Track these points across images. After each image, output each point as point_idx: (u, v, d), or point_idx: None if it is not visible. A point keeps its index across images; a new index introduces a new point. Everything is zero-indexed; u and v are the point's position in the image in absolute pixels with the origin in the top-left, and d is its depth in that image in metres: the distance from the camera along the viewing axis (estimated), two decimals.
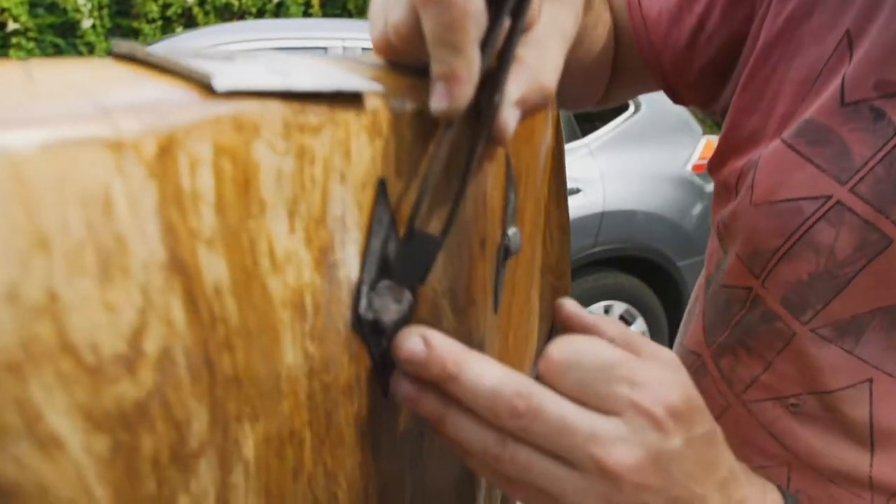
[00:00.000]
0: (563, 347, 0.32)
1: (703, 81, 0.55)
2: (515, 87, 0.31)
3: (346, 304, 0.30)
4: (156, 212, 0.22)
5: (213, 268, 0.24)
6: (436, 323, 0.34)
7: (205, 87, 0.24)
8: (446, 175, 0.32)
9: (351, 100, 0.28)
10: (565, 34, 0.34)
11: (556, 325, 0.37)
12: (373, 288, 0.31)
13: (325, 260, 0.28)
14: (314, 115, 0.26)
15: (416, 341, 0.30)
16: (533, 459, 0.31)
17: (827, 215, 0.42)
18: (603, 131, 2.50)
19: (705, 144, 2.59)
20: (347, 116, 0.27)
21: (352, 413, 0.32)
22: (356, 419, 0.33)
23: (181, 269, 0.23)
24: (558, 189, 0.54)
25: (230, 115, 0.24)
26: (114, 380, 0.23)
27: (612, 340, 0.35)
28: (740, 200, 0.48)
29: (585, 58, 0.56)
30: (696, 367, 0.55)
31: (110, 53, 0.29)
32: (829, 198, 0.42)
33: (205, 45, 2.40)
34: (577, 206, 2.37)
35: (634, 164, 2.47)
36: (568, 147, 2.45)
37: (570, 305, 0.39)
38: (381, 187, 0.30)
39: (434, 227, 0.32)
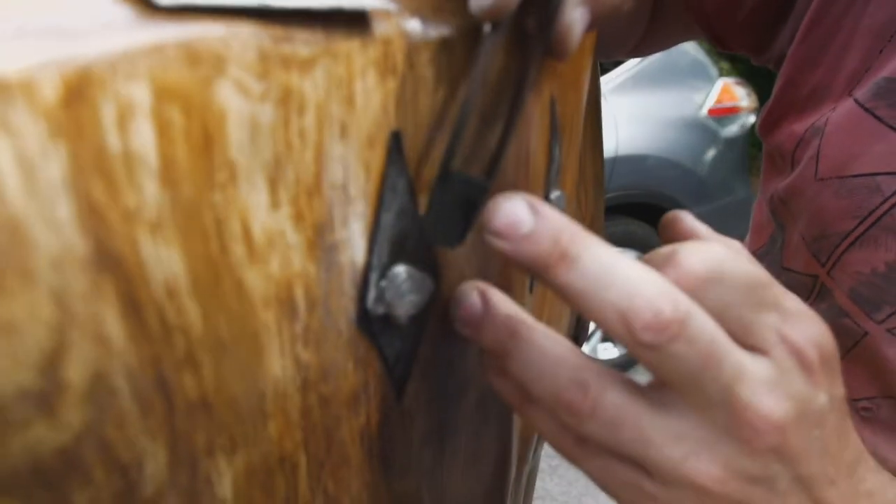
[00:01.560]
0: (702, 254, 0.24)
1: (754, 24, 0.46)
2: None
3: (351, 297, 0.23)
4: (67, 186, 0.15)
5: (163, 262, 0.17)
6: None
7: (143, 0, 0.17)
8: (489, 105, 0.24)
9: (354, 22, 0.20)
10: None
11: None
12: (384, 275, 0.24)
13: (320, 241, 0.21)
14: (303, 43, 0.19)
15: (521, 206, 0.22)
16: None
17: None
18: (615, 73, 2.39)
19: (722, 88, 2.48)
20: (349, 46, 0.20)
21: (358, 427, 0.26)
22: (363, 434, 0.26)
23: (114, 265, 0.16)
24: (595, 138, 0.46)
25: (179, 43, 0.16)
26: (21, 426, 0.16)
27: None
28: (801, 172, 0.40)
29: None
30: None
31: None
32: None
33: None
34: None
35: (648, 108, 2.37)
36: None
37: (687, 219, 0.29)
38: (395, 144, 0.22)
39: (475, 171, 0.25)
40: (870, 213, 0.36)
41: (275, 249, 0.20)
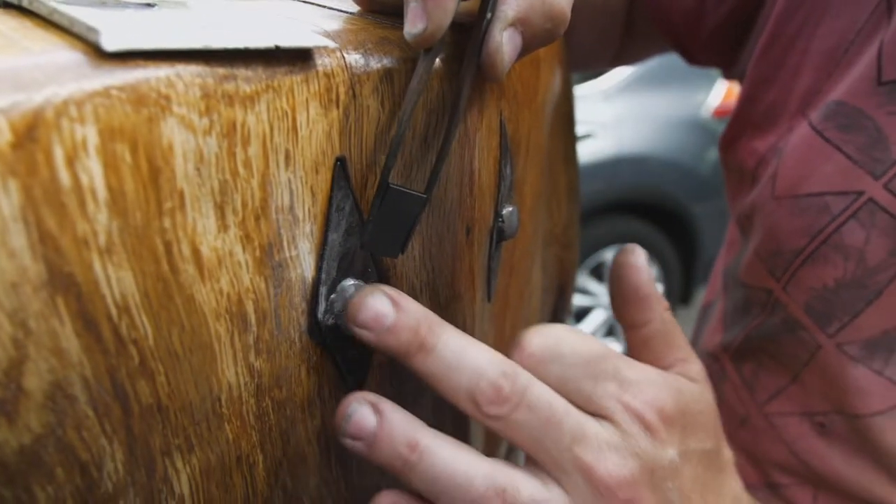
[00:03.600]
0: (541, 336, 0.27)
1: (718, 42, 0.47)
2: (512, 2, 0.25)
3: (301, 310, 0.25)
4: (21, 218, 0.17)
5: (115, 282, 0.19)
6: None
7: (94, 46, 0.18)
8: (429, 122, 0.26)
9: (296, 59, 0.22)
10: None
11: (617, 290, 0.30)
12: (333, 289, 0.25)
13: (269, 260, 0.23)
14: (245, 80, 0.20)
15: (383, 301, 0.24)
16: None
17: (857, 214, 0.36)
18: (618, 74, 2.39)
19: (728, 89, 2.48)
20: (292, 81, 0.22)
21: (314, 428, 0.28)
22: (319, 435, 0.28)
23: (69, 286, 0.18)
24: (566, 150, 0.48)
25: (125, 85, 0.18)
26: None
27: (647, 323, 0.30)
28: (760, 190, 0.42)
29: (599, 8, 0.49)
30: (714, 372, 0.49)
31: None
32: (860, 194, 0.36)
33: None
34: (590, 152, 2.29)
35: (650, 108, 2.37)
36: (581, 89, 2.35)
37: (632, 277, 0.31)
38: (340, 168, 0.24)
39: (415, 186, 0.26)
40: (819, 232, 0.37)
41: (224, 268, 0.22)
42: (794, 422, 0.42)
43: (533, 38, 0.26)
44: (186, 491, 0.24)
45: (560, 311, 0.52)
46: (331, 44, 0.22)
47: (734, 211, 0.47)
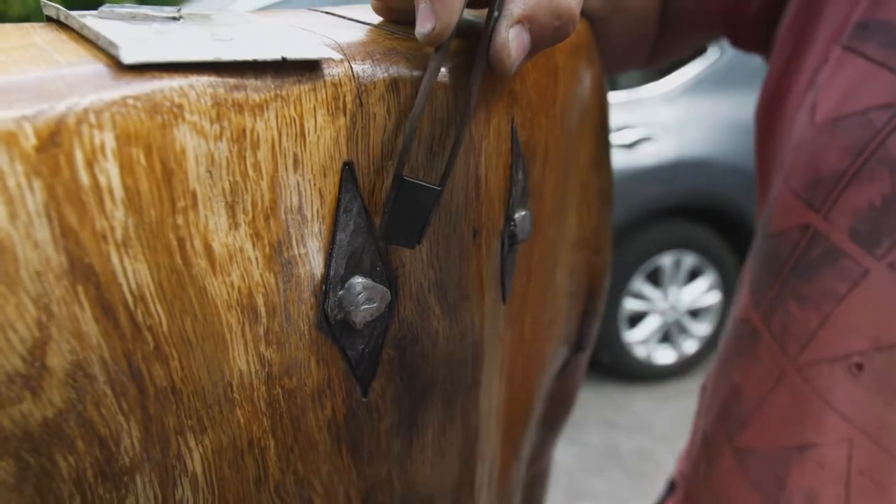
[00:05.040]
0: None
1: (762, 25, 0.48)
2: (520, 0, 0.26)
3: (311, 304, 0.26)
4: (44, 214, 0.19)
5: (131, 272, 0.21)
6: (422, 322, 0.30)
7: (115, 59, 0.20)
8: (440, 118, 0.27)
9: (304, 69, 0.23)
10: None
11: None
12: (342, 285, 0.27)
13: (278, 257, 0.25)
14: (254, 90, 0.22)
15: None
16: None
17: None
18: (680, 74, 2.34)
19: None
20: (299, 90, 0.23)
21: (324, 418, 0.29)
22: (330, 424, 0.29)
23: (88, 275, 0.20)
24: (599, 156, 0.48)
25: (140, 95, 0.20)
26: (11, 401, 0.20)
27: None
28: (799, 127, 0.41)
29: (630, 8, 0.49)
30: (748, 335, 0.47)
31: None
32: None
33: None
34: (650, 155, 2.25)
35: (713, 111, 2.31)
36: (641, 92, 2.32)
37: None
38: (348, 172, 0.25)
39: (428, 179, 0.27)
40: (864, 148, 0.36)
41: (235, 263, 0.24)
42: (825, 370, 0.40)
43: (541, 35, 0.27)
44: (199, 469, 0.26)
45: (590, 314, 0.52)
46: (336, 55, 0.23)
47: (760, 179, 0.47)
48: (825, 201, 0.39)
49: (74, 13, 0.23)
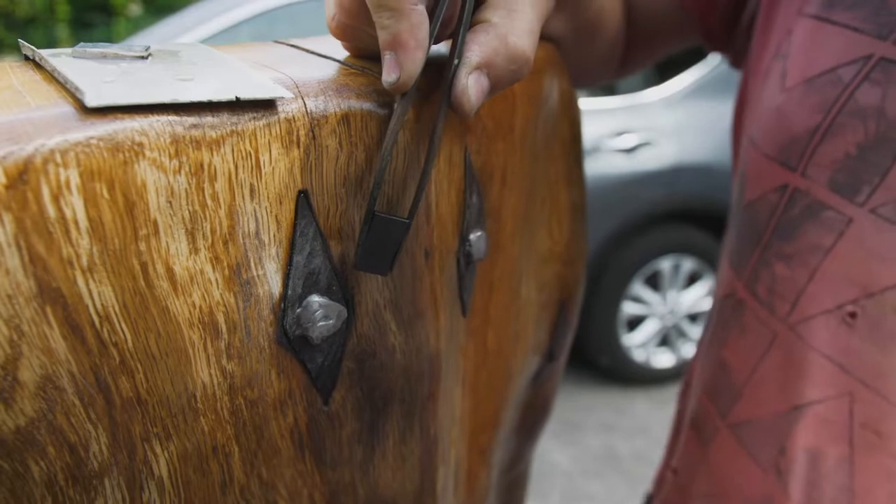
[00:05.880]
0: None
1: (739, 37, 0.50)
2: (477, 48, 0.28)
3: (270, 321, 0.28)
4: (14, 244, 0.21)
5: (98, 294, 0.23)
6: (380, 337, 0.32)
7: (79, 102, 0.22)
8: (407, 157, 0.29)
9: (259, 107, 0.25)
10: None
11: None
12: (300, 304, 0.29)
13: (236, 278, 0.27)
14: (211, 127, 0.24)
15: None
16: None
17: (870, 76, 0.36)
18: (681, 80, 2.36)
19: None
20: (254, 126, 0.25)
21: (286, 425, 0.31)
22: (292, 431, 0.31)
23: (56, 298, 0.22)
24: (570, 171, 0.50)
25: (104, 136, 0.22)
26: None
27: None
28: (770, 93, 0.42)
29: (595, 24, 0.51)
30: (731, 309, 0.47)
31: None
32: (869, 57, 0.36)
33: None
34: (649, 160, 2.27)
35: (713, 116, 2.33)
36: (641, 97, 2.33)
37: None
38: (303, 199, 0.27)
39: (396, 212, 0.30)
40: (834, 103, 0.38)
41: (196, 284, 0.26)
42: (819, 323, 0.40)
43: (499, 78, 0.29)
44: (165, 473, 0.28)
45: (562, 324, 0.54)
46: (287, 94, 0.25)
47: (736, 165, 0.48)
48: (801, 158, 0.39)
49: (47, 54, 0.25)
